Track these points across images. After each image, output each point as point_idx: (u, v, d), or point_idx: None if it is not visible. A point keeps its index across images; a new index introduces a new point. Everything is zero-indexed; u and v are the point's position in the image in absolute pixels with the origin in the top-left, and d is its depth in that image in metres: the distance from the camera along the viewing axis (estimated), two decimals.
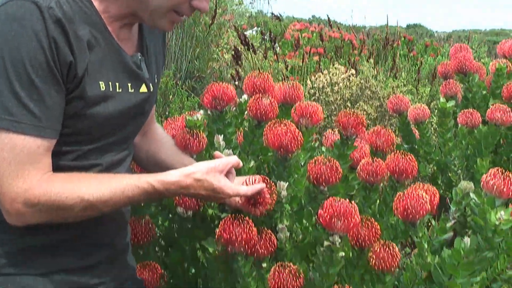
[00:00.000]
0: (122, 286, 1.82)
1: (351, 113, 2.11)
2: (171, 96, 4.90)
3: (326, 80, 4.96)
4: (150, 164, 1.98)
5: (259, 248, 1.84)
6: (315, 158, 1.96)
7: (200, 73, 6.71)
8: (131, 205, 1.87)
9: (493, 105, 2.69)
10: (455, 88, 2.93)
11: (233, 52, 5.66)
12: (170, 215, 2.15)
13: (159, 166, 1.93)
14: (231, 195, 1.73)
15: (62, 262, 1.64)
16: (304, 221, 2.11)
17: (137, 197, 1.59)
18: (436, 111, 3.89)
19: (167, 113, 4.89)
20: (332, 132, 2.41)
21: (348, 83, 4.98)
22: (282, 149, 1.91)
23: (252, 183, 1.80)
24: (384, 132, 2.23)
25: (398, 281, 1.95)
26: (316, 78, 5.01)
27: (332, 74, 5.01)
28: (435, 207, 1.85)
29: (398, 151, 2.06)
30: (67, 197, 1.49)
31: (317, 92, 4.92)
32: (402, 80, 5.69)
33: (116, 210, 1.65)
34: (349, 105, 4.86)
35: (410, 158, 2.01)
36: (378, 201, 2.19)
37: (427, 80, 6.31)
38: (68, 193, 1.49)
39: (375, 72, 5.54)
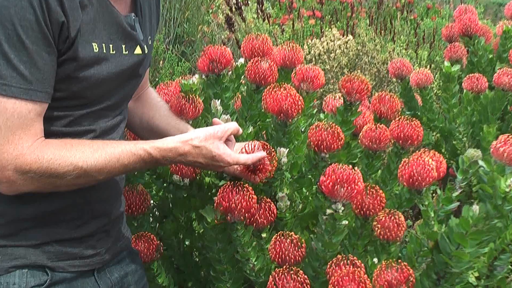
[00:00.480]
0: (117, 257, 1.84)
1: (356, 77, 2.11)
2: (161, 62, 4.86)
3: (323, 47, 4.95)
4: (143, 129, 1.98)
5: (258, 217, 1.86)
6: (316, 123, 1.97)
7: (190, 37, 6.65)
8: (126, 173, 1.87)
9: (500, 69, 2.69)
10: (460, 51, 2.94)
11: (225, 18, 5.62)
12: (165, 184, 2.16)
13: (153, 132, 1.94)
14: (230, 163, 1.74)
15: (55, 233, 1.64)
16: (304, 189, 2.13)
17: (132, 165, 1.60)
18: (436, 75, 3.90)
19: (157, 79, 4.86)
20: (333, 97, 2.42)
21: (345, 49, 4.97)
22: (282, 114, 1.92)
23: (252, 150, 1.81)
24: (388, 98, 2.23)
25: (401, 253, 1.97)
26: (312, 45, 4.99)
27: (330, 40, 5.00)
28: (442, 174, 1.86)
29: (402, 117, 2.07)
30: (59, 164, 1.49)
31: (313, 59, 4.91)
32: (401, 44, 5.69)
33: (111, 178, 1.65)
34: (346, 72, 4.86)
35: (415, 123, 2.03)
36: (380, 169, 2.21)
37: (428, 44, 6.30)
38: (61, 160, 1.49)
39: (373, 34, 5.52)
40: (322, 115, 2.39)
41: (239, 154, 1.77)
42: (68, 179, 1.52)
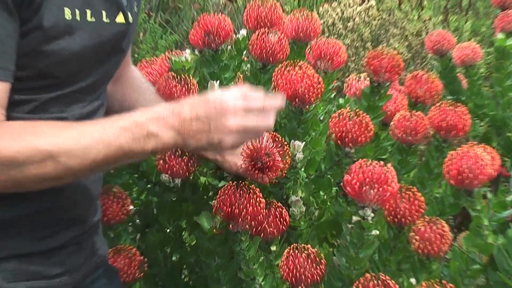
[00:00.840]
0: (90, 276, 1.83)
1: (384, 53, 2.11)
2: (141, 34, 4.83)
3: (336, 14, 4.92)
4: None
5: (267, 226, 1.85)
6: (340, 111, 1.97)
7: (176, 3, 6.64)
8: (107, 159, 1.76)
9: None
10: None
11: None
12: (149, 185, 2.15)
13: None
14: (237, 108, 1.53)
15: (16, 246, 1.62)
16: (321, 192, 2.12)
17: (114, 141, 1.48)
18: (483, 51, 3.89)
19: (136, 55, 4.84)
20: (357, 78, 2.41)
21: (366, 18, 4.94)
22: (297, 99, 1.92)
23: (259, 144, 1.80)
24: (426, 78, 2.23)
25: (442, 273, 1.96)
26: (325, 12, 4.97)
27: (344, 5, 4.98)
28: (494, 172, 1.85)
29: (443, 102, 2.07)
30: (18, 151, 1.42)
31: (326, 29, 4.89)
32: (427, 10, 5.65)
33: (87, 169, 1.59)
34: (370, 47, 4.84)
35: (461, 110, 2.02)
36: (416, 167, 2.20)
37: (464, 11, 6.27)
38: (20, 145, 1.43)
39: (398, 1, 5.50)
40: (341, 100, 2.38)
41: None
42: (32, 169, 1.44)
